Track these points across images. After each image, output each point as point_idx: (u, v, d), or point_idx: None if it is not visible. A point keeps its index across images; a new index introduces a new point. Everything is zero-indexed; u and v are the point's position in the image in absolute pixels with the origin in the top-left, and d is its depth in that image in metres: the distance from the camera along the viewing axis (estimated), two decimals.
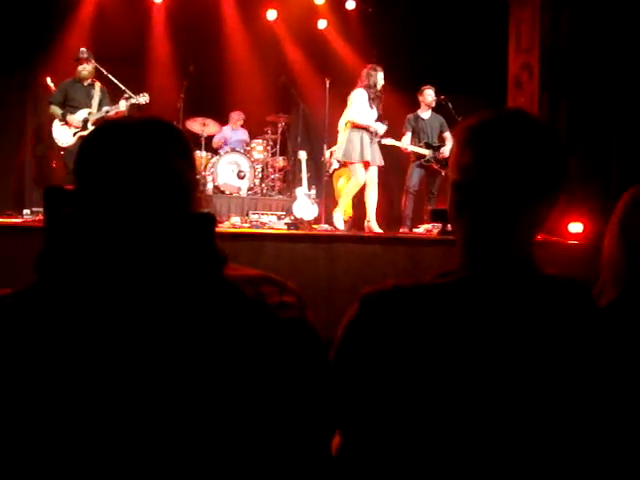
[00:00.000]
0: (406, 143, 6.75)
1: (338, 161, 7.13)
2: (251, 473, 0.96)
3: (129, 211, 0.97)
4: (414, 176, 6.82)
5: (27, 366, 0.92)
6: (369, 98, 6.07)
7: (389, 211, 8.22)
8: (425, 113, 6.92)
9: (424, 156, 6.76)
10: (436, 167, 6.77)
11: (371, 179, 6.19)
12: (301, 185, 7.29)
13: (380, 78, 6.12)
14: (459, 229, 1.12)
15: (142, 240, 0.97)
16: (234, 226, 6.24)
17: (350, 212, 7.21)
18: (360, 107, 6.06)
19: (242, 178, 7.67)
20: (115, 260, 0.96)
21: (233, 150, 7.80)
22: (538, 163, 1.06)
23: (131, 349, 0.93)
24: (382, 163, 6.23)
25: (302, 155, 7.49)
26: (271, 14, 8.25)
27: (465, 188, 1.09)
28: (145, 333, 0.94)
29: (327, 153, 7.09)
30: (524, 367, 1.01)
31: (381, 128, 6.17)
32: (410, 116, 6.91)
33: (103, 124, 1.07)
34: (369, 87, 6.09)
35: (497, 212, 1.07)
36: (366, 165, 6.12)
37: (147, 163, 0.99)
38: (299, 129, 8.27)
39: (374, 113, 6.13)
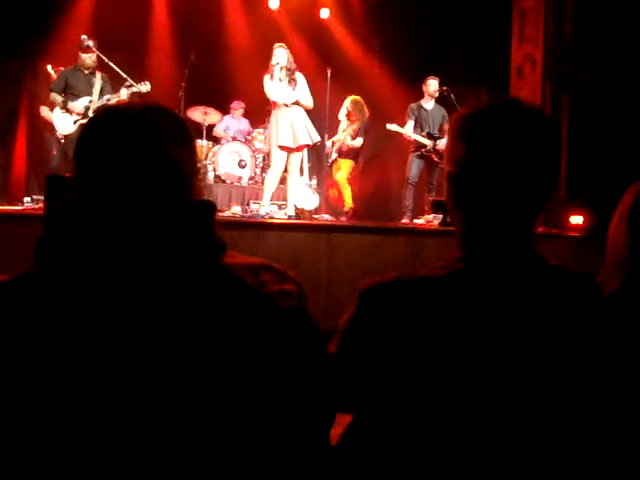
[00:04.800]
0: (409, 131, 6.72)
1: (336, 151, 7.12)
2: (249, 461, 0.96)
3: (126, 198, 0.97)
4: (413, 167, 6.79)
5: (24, 352, 0.92)
6: (272, 77, 5.88)
7: (389, 202, 8.21)
8: (428, 103, 6.88)
9: (425, 146, 6.72)
10: (436, 159, 6.75)
11: (291, 164, 6.07)
12: (302, 175, 7.28)
13: (280, 55, 5.93)
14: (457, 221, 1.12)
15: (140, 227, 0.97)
16: (235, 215, 6.24)
17: (350, 203, 7.21)
18: (268, 88, 5.90)
19: (243, 167, 7.66)
20: (113, 247, 0.96)
21: (234, 139, 7.79)
22: (531, 152, 1.05)
23: (129, 336, 0.93)
24: (308, 142, 5.95)
25: None
26: (273, 3, 8.20)
27: (460, 180, 1.09)
28: (143, 320, 0.94)
29: (328, 143, 7.07)
30: (529, 357, 1.01)
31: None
32: (413, 105, 6.87)
33: (101, 111, 1.07)
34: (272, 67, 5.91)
35: (493, 203, 1.07)
36: (285, 149, 5.94)
37: (143, 150, 0.98)
38: None
39: (284, 88, 5.89)
